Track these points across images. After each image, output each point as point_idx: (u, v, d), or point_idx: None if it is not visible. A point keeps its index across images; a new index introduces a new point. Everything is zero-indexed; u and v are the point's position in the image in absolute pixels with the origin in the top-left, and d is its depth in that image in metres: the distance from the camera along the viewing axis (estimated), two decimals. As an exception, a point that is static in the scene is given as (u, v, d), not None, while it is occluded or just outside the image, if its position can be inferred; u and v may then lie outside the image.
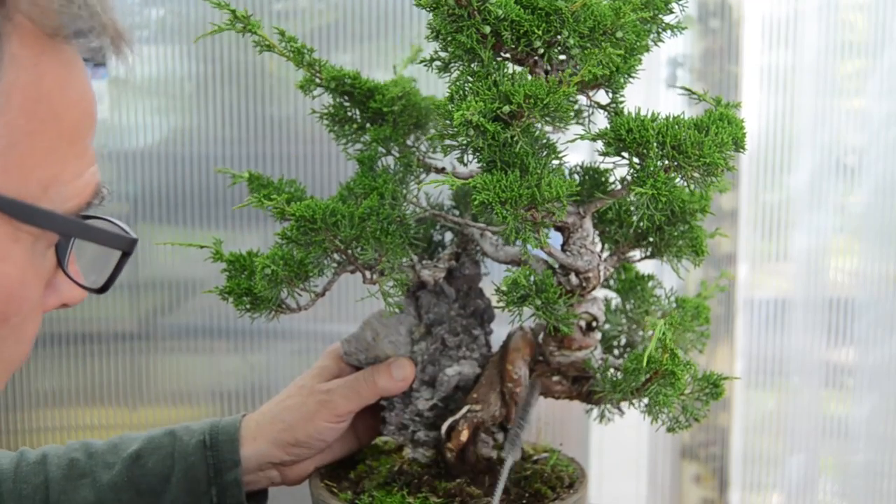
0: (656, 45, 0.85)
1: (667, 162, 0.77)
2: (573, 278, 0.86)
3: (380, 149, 0.91)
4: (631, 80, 0.83)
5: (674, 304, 0.96)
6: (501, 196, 0.75)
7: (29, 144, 0.57)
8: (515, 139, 0.76)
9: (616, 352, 0.97)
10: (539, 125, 0.79)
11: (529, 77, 0.77)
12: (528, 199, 0.75)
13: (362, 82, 0.93)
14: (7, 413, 1.74)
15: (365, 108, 0.94)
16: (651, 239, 0.90)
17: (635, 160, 0.78)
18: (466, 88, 0.78)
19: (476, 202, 0.75)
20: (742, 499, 1.98)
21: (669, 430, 0.86)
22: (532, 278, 0.83)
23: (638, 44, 0.81)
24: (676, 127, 0.77)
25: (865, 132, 1.88)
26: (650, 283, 0.98)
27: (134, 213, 1.79)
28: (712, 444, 1.99)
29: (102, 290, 0.67)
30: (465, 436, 0.90)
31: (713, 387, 0.85)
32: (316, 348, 1.81)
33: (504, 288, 0.83)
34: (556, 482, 0.91)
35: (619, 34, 0.78)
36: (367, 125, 0.94)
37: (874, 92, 1.86)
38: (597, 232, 0.91)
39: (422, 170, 0.90)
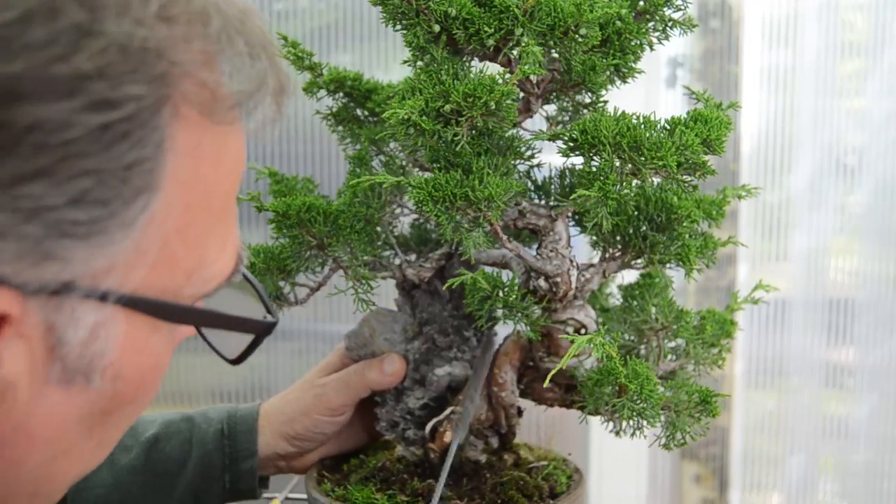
0: (661, 43, 0.83)
1: (619, 163, 0.75)
2: (542, 282, 0.84)
3: (371, 148, 0.91)
4: (626, 80, 0.82)
5: (672, 315, 0.92)
6: (434, 195, 0.75)
7: (180, 239, 0.51)
8: (458, 137, 0.75)
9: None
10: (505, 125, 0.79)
11: (509, 75, 0.76)
12: (462, 198, 0.75)
13: (362, 83, 0.94)
14: (7, 413, 1.74)
15: (365, 109, 0.94)
16: (637, 246, 0.86)
17: (593, 161, 0.77)
18: (419, 86, 0.77)
19: (412, 200, 0.75)
20: (742, 499, 1.98)
21: (664, 446, 0.83)
22: (504, 280, 0.82)
23: (629, 43, 0.79)
24: (642, 127, 0.75)
25: (865, 132, 1.88)
26: (655, 292, 0.94)
27: (134, 213, 1.79)
28: (712, 444, 1.99)
29: (236, 362, 0.63)
30: (448, 437, 0.89)
31: (704, 402, 0.83)
32: (316, 348, 1.81)
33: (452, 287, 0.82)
34: (534, 491, 0.89)
35: (583, 31, 0.77)
36: (371, 125, 0.94)
37: (874, 92, 1.86)
38: (591, 237, 0.90)
39: (418, 169, 0.89)
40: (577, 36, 0.77)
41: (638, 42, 0.81)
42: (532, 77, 0.81)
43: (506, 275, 0.86)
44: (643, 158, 0.74)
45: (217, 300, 0.58)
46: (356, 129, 0.96)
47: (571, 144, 0.77)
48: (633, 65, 0.82)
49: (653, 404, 0.79)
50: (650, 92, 1.81)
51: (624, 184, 0.76)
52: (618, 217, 0.85)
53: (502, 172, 0.78)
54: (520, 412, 0.93)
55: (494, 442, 0.93)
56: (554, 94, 0.83)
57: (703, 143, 0.77)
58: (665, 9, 0.81)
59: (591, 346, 0.79)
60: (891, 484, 1.91)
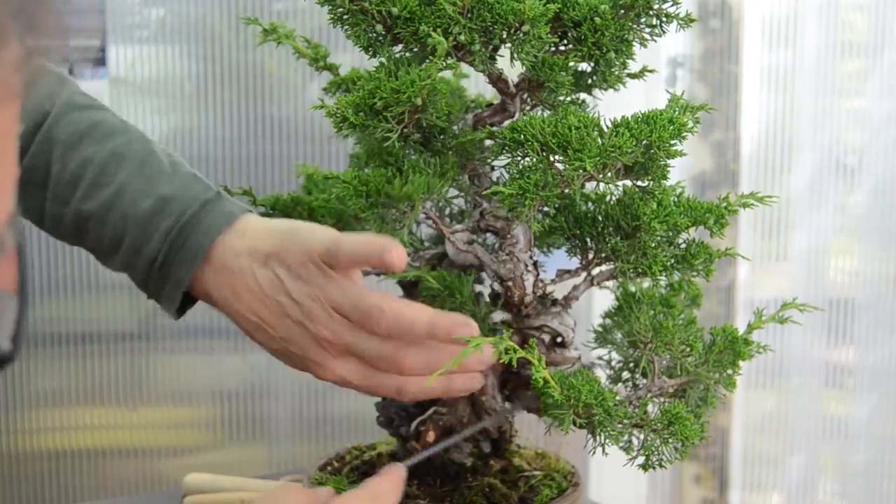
0: (653, 39, 0.81)
1: (556, 163, 0.73)
2: (496, 285, 0.83)
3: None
4: (607, 80, 0.81)
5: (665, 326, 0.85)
6: (359, 189, 0.74)
7: None
8: (391, 134, 0.74)
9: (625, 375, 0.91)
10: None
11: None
12: (385, 196, 0.74)
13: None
14: (7, 413, 1.74)
15: None
16: (603, 253, 0.82)
17: (525, 160, 0.75)
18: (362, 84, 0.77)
19: (335, 195, 0.76)
20: (742, 499, 1.98)
21: (641, 467, 0.79)
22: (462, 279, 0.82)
23: (604, 40, 0.78)
24: (578, 129, 0.72)
25: (865, 132, 1.88)
26: (646, 302, 0.90)
27: (134, 213, 1.79)
28: (712, 444, 1.99)
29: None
30: (430, 437, 0.88)
31: (670, 424, 0.77)
32: (316, 348, 1.81)
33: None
34: (501, 499, 0.88)
35: (526, 28, 0.75)
36: None
37: (874, 92, 1.86)
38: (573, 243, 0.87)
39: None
40: (520, 34, 0.76)
41: (622, 39, 0.79)
42: (508, 78, 0.81)
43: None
44: (569, 160, 0.72)
45: None
46: None
47: (504, 143, 0.76)
48: (616, 62, 0.80)
49: (602, 418, 0.77)
50: (650, 92, 1.81)
51: (549, 185, 0.74)
52: (580, 221, 0.83)
53: (439, 172, 0.78)
54: (507, 418, 0.92)
55: (486, 446, 0.92)
56: (523, 93, 0.82)
57: (645, 145, 0.74)
58: (658, 2, 0.79)
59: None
60: (891, 484, 1.91)
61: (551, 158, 0.74)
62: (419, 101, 0.73)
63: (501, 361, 0.85)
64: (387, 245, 0.75)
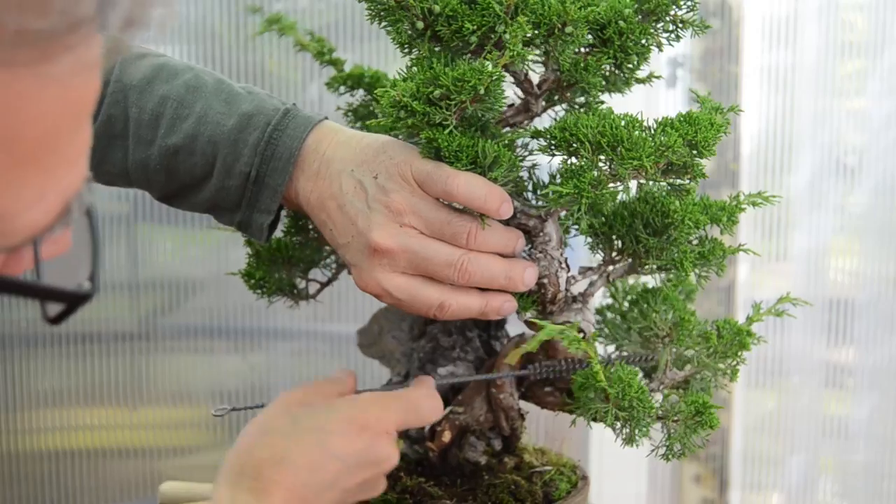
0: (670, 44, 0.83)
1: (599, 162, 0.75)
2: None
3: None
4: (628, 83, 0.82)
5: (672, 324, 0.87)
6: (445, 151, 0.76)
7: None
8: (447, 122, 0.75)
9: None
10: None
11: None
12: (464, 153, 0.76)
13: (379, 81, 0.96)
14: (7, 413, 1.74)
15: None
16: (631, 250, 0.84)
17: (573, 159, 0.76)
18: (410, 75, 0.77)
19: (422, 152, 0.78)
20: (742, 499, 1.98)
21: (663, 457, 0.81)
22: None
23: (629, 43, 0.79)
24: (624, 127, 0.74)
25: (865, 132, 1.88)
26: (661, 297, 0.90)
27: (134, 213, 1.79)
28: (712, 444, 1.99)
29: (53, 322, 0.52)
30: (447, 437, 0.89)
31: (698, 414, 0.79)
32: (316, 348, 1.81)
33: None
34: (527, 496, 0.88)
35: (569, 29, 0.76)
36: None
37: (874, 92, 1.86)
38: (587, 240, 0.89)
39: None
40: (563, 35, 0.76)
41: (642, 43, 0.80)
42: (532, 77, 0.82)
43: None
44: (621, 158, 0.74)
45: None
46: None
47: (553, 142, 0.77)
48: (635, 65, 0.81)
49: (640, 412, 0.78)
50: (650, 92, 1.81)
51: (602, 184, 0.75)
52: (608, 219, 0.84)
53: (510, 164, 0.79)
54: (521, 415, 0.93)
55: (497, 444, 0.93)
56: (549, 93, 0.83)
57: (689, 144, 0.76)
58: (674, 8, 0.80)
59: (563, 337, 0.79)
60: (891, 484, 1.91)
61: (596, 157, 0.75)
62: (482, 90, 0.73)
63: (518, 360, 0.87)
64: (505, 195, 0.78)
